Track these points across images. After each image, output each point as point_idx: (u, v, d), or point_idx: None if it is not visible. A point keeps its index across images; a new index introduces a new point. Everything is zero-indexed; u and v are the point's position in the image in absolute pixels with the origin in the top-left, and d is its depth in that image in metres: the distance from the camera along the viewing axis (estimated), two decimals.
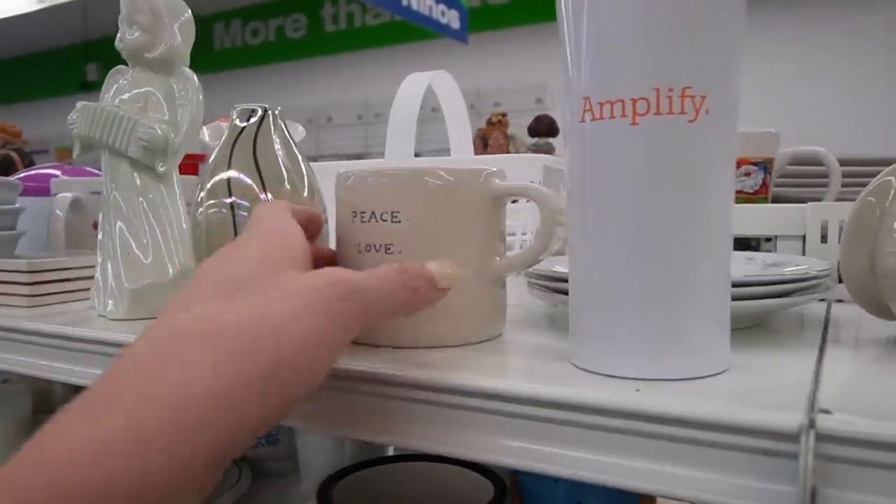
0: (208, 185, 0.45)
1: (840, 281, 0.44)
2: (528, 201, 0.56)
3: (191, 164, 0.82)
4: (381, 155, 0.59)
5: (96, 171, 0.92)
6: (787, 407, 0.26)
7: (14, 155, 1.50)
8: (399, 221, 0.36)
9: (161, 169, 0.53)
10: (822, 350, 0.37)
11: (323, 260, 0.39)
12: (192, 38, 0.57)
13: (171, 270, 0.53)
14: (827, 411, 0.25)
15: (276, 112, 0.47)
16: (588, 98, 0.31)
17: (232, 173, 0.45)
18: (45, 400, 0.84)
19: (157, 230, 0.53)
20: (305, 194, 0.46)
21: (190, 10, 0.56)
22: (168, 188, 0.54)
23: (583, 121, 0.32)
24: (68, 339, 0.49)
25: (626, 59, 0.30)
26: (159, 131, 0.52)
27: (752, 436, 0.26)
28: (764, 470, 0.26)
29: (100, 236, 0.54)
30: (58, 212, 0.80)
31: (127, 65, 0.56)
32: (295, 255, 0.31)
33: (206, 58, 4.77)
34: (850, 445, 0.24)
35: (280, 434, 0.74)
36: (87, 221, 0.80)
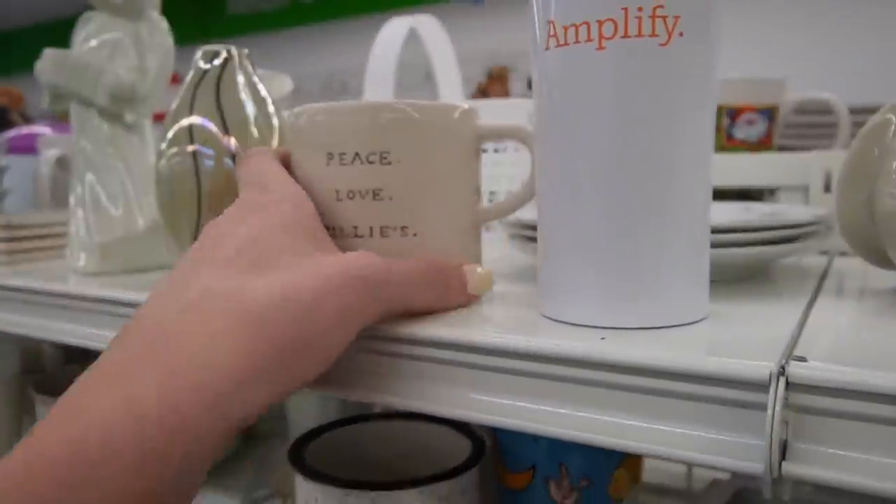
0: (170, 133, 0.43)
1: None
2: (516, 149, 0.53)
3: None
4: None
5: None
6: (761, 356, 0.24)
7: (16, 114, 1.50)
8: (389, 163, 0.32)
9: (130, 118, 0.51)
10: (812, 300, 0.34)
11: None
12: None
13: (141, 224, 0.51)
14: (801, 358, 0.23)
15: (244, 53, 0.45)
16: (552, 22, 0.28)
17: (194, 119, 0.42)
18: (34, 359, 0.83)
19: (128, 182, 0.51)
20: (275, 142, 0.44)
21: None
22: (139, 138, 0.53)
23: (547, 48, 0.29)
24: (41, 293, 0.48)
25: None
26: (126, 78, 0.50)
27: (721, 385, 0.24)
28: (732, 422, 0.24)
29: (72, 189, 0.53)
30: (43, 169, 0.78)
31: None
32: (313, 226, 0.31)
33: (219, 23, 4.73)
34: (824, 395, 0.22)
35: None
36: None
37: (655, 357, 0.24)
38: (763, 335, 0.28)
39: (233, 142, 0.42)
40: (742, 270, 0.40)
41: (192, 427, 0.23)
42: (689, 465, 0.61)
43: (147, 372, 0.24)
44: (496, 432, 0.48)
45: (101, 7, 0.52)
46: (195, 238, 0.42)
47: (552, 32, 0.29)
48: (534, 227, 0.40)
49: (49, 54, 0.52)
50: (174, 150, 0.43)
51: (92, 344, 0.44)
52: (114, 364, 0.25)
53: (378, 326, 0.30)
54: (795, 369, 0.22)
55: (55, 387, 0.71)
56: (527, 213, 0.39)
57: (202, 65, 0.44)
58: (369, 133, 0.32)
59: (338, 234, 0.33)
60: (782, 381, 0.22)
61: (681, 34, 0.27)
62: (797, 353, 0.24)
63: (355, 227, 0.32)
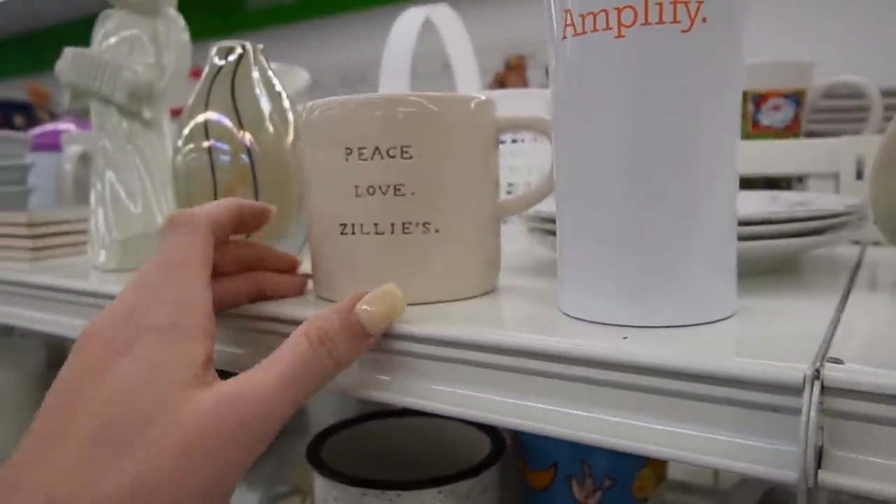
0: (186, 130, 0.43)
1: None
2: (535, 140, 0.52)
3: None
4: None
5: None
6: (794, 357, 0.23)
7: (42, 110, 1.51)
8: (410, 157, 0.31)
9: (148, 115, 0.51)
10: (846, 295, 0.33)
11: (255, 258, 0.35)
12: None
13: (160, 220, 0.51)
14: (837, 360, 0.22)
15: (259, 49, 0.44)
16: (569, 11, 0.27)
17: (210, 115, 0.42)
18: (60, 353, 0.84)
19: (147, 179, 0.51)
20: (290, 137, 0.43)
21: None
22: (157, 134, 0.52)
23: (564, 37, 0.28)
24: (63, 290, 0.48)
25: None
26: (144, 76, 0.50)
27: (752, 388, 0.23)
28: (765, 427, 0.23)
29: (93, 186, 0.53)
30: (67, 166, 0.79)
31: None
32: (190, 360, 0.27)
33: (239, 18, 4.75)
34: (862, 399, 0.21)
35: None
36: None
37: (681, 358, 0.23)
38: (794, 334, 0.27)
39: (248, 137, 0.41)
40: (770, 263, 0.38)
41: None
42: None
43: None
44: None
45: (119, 4, 0.52)
46: None
47: (569, 21, 0.28)
48: (553, 221, 0.39)
49: (69, 53, 0.52)
50: (190, 146, 0.42)
51: None
52: None
53: (392, 325, 0.30)
54: (831, 372, 0.21)
55: None
56: (546, 206, 0.38)
57: (217, 61, 0.43)
58: (390, 127, 0.31)
59: (357, 231, 0.32)
60: (817, 384, 0.21)
61: (704, 20, 0.26)
62: (832, 354, 0.23)
63: (376, 224, 0.32)
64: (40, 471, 0.24)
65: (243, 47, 0.44)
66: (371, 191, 0.31)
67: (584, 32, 0.27)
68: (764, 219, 0.34)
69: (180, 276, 0.29)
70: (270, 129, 0.42)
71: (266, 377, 0.27)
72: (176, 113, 0.56)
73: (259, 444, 0.26)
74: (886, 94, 0.63)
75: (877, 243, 0.47)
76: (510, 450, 0.44)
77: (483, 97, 0.33)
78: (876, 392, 0.21)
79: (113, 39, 0.52)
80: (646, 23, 0.26)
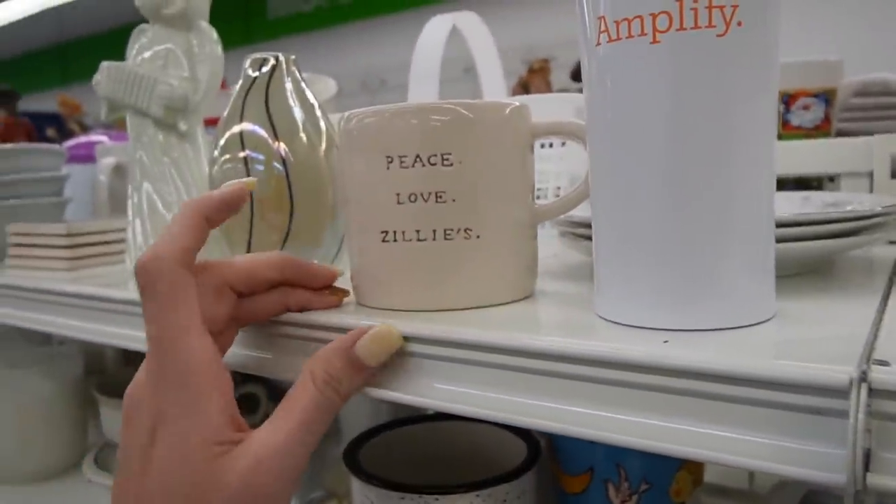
0: (222, 140, 0.43)
1: None
2: (563, 144, 0.52)
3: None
4: None
5: None
6: (837, 359, 0.23)
7: (73, 122, 1.54)
8: (451, 164, 0.32)
9: (183, 127, 0.52)
10: (886, 297, 0.32)
11: (289, 274, 0.35)
12: None
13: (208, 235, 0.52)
14: (884, 362, 0.22)
15: (291, 59, 0.45)
16: (603, 17, 0.28)
17: (245, 126, 0.43)
18: (97, 361, 0.86)
19: (183, 189, 0.52)
20: (323, 146, 0.44)
21: None
22: (192, 145, 0.53)
23: (598, 44, 0.28)
24: (101, 300, 0.49)
25: None
26: (179, 89, 0.51)
27: (796, 391, 0.23)
28: (809, 430, 0.23)
29: (130, 197, 0.54)
30: (101, 177, 0.81)
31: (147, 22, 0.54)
32: (213, 435, 0.30)
33: (261, 27, 4.81)
34: None
35: None
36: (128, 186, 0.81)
37: (725, 362, 0.23)
38: (835, 336, 0.27)
39: (283, 147, 0.42)
40: (806, 265, 0.38)
41: None
42: None
43: None
44: (551, 434, 0.47)
45: (153, 19, 0.53)
46: (248, 243, 0.43)
47: (603, 28, 0.28)
48: (585, 225, 0.40)
49: (105, 67, 0.53)
50: (226, 156, 0.43)
51: None
52: None
53: (424, 329, 0.30)
54: (878, 374, 0.21)
55: (116, 387, 0.73)
56: (577, 210, 0.38)
57: (251, 73, 0.44)
58: (430, 135, 0.32)
59: (399, 238, 0.33)
60: (864, 386, 0.21)
61: (739, 24, 0.26)
62: (877, 356, 0.23)
63: (417, 231, 0.32)
64: None
65: (276, 59, 0.44)
66: (413, 198, 0.32)
67: (618, 39, 0.27)
68: (802, 220, 0.34)
69: (174, 344, 0.30)
70: (304, 138, 0.43)
71: (284, 432, 0.30)
72: (209, 123, 0.57)
73: (289, 492, 0.30)
74: None
75: None
76: (545, 454, 0.44)
77: (518, 103, 0.34)
78: None
79: (148, 53, 0.53)
80: (681, 28, 0.26)
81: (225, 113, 0.45)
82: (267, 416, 0.31)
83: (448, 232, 0.32)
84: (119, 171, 0.81)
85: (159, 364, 0.30)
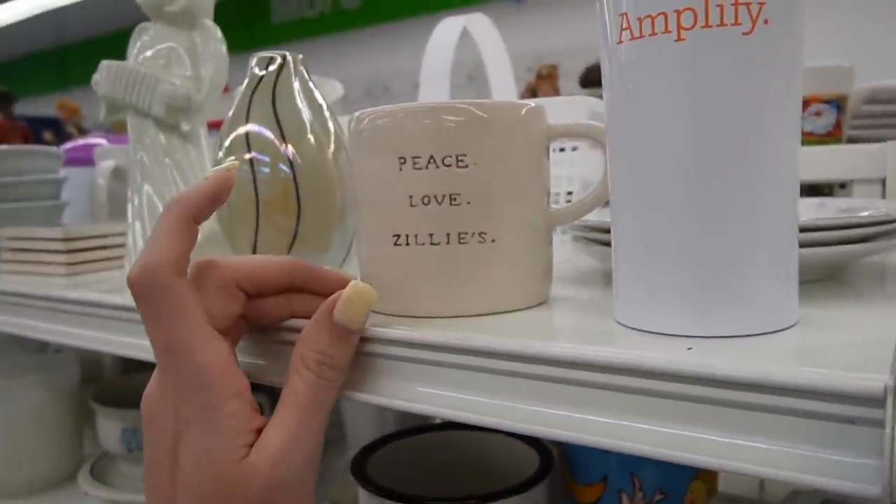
0: (226, 142, 0.43)
1: None
2: (574, 149, 0.52)
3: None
4: None
5: None
6: (866, 366, 0.22)
7: (71, 125, 1.53)
8: (466, 166, 0.31)
9: (186, 128, 0.51)
10: None
11: (298, 279, 0.34)
12: None
13: (199, 234, 0.51)
14: None
15: (298, 59, 0.44)
16: (625, 14, 0.27)
17: (251, 127, 0.42)
18: (94, 369, 0.85)
19: None
20: (331, 148, 0.43)
21: None
22: (195, 147, 0.52)
23: (620, 41, 0.27)
24: (99, 306, 0.48)
25: None
26: (182, 88, 0.50)
27: (826, 400, 0.22)
28: (840, 440, 0.22)
29: (130, 200, 0.53)
30: (100, 180, 0.80)
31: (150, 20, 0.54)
32: (235, 440, 0.30)
33: (264, 32, 4.81)
34: None
35: None
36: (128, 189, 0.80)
37: (758, 370, 0.22)
38: (861, 342, 0.26)
39: (290, 149, 0.41)
40: (824, 270, 0.37)
41: None
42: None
43: None
44: (563, 442, 0.46)
45: (155, 17, 0.52)
46: (253, 247, 0.42)
47: (625, 25, 0.27)
48: (599, 230, 0.39)
49: (105, 66, 0.52)
50: (231, 158, 0.42)
51: (149, 356, 0.44)
52: None
53: (438, 336, 0.29)
54: None
55: (114, 396, 0.72)
56: (590, 215, 0.37)
57: (257, 71, 0.43)
58: (445, 135, 0.31)
59: (412, 241, 0.32)
60: None
61: (766, 22, 0.25)
62: None
63: (431, 235, 0.31)
64: None
65: (283, 57, 0.43)
66: (426, 200, 0.31)
67: (641, 36, 0.27)
68: (825, 224, 0.33)
69: (184, 355, 0.30)
70: (312, 140, 0.42)
71: (292, 420, 0.30)
72: (212, 127, 0.56)
73: (311, 480, 0.31)
74: None
75: None
76: (557, 463, 0.43)
77: (534, 104, 0.33)
78: None
79: (149, 52, 0.53)
80: (706, 25, 0.25)
81: (230, 113, 0.44)
82: None
83: (462, 235, 0.31)
84: (118, 173, 0.80)
85: (174, 372, 0.30)
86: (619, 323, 0.30)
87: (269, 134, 0.42)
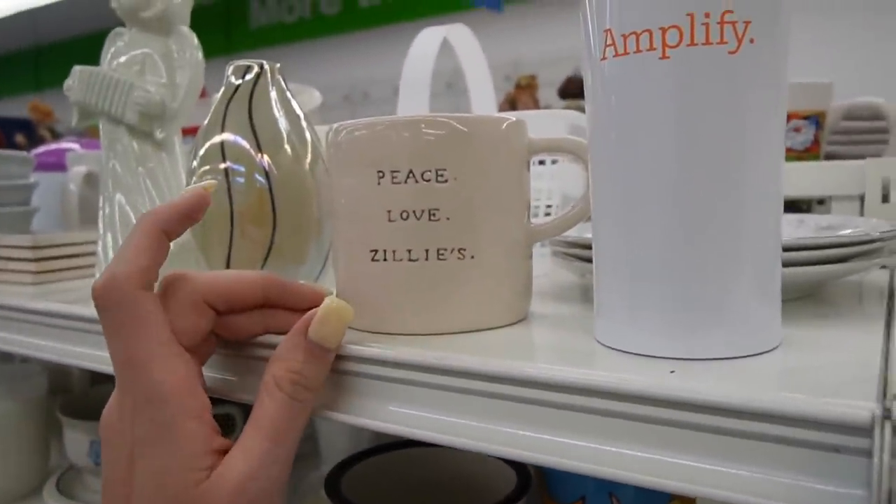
0: (201, 151, 0.42)
1: None
2: (553, 162, 0.51)
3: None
4: None
5: None
6: (852, 391, 0.22)
7: (44, 129, 1.51)
8: (445, 181, 0.30)
9: (160, 135, 0.50)
10: (889, 324, 0.32)
11: (272, 293, 0.33)
12: None
13: (171, 244, 0.49)
14: None
15: (276, 68, 0.43)
16: (609, 31, 0.26)
17: (226, 136, 0.41)
18: (62, 380, 0.83)
19: (158, 201, 0.50)
20: (308, 159, 0.42)
21: None
22: (169, 156, 0.51)
23: (604, 58, 0.27)
24: (69, 317, 0.47)
25: None
26: (156, 95, 0.49)
27: (812, 427, 0.21)
28: (825, 469, 0.21)
29: (101, 209, 0.52)
30: (71, 186, 0.78)
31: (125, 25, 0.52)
32: (191, 462, 0.28)
33: (242, 37, 4.78)
34: None
35: None
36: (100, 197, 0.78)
37: (736, 394, 0.22)
38: (845, 364, 0.26)
39: (266, 159, 0.40)
40: (804, 289, 0.37)
41: None
42: None
43: None
44: None
45: (130, 23, 0.51)
46: (227, 258, 0.41)
47: (609, 41, 0.27)
48: (579, 245, 0.38)
49: (78, 71, 0.51)
50: (206, 167, 0.41)
51: None
52: None
53: (416, 354, 0.29)
54: None
55: (82, 408, 0.70)
56: (570, 231, 0.37)
57: (234, 80, 0.42)
58: (424, 149, 0.30)
59: (389, 257, 0.31)
60: (888, 425, 0.20)
61: (751, 41, 0.25)
62: (893, 389, 0.21)
63: (409, 251, 0.30)
64: None
65: (260, 66, 0.43)
66: (405, 215, 0.30)
67: (625, 53, 0.26)
68: (807, 244, 0.33)
69: (142, 372, 0.29)
70: (289, 150, 0.41)
71: (258, 452, 0.28)
72: (186, 133, 0.55)
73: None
74: None
75: None
76: (535, 482, 0.43)
77: (515, 118, 0.32)
78: None
79: (123, 58, 0.51)
80: (692, 43, 0.25)
81: (205, 122, 0.43)
82: None
83: (441, 252, 0.30)
84: (90, 180, 0.78)
85: (131, 390, 0.29)
86: (599, 343, 0.29)
87: (244, 143, 0.41)
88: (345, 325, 0.30)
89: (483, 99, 0.60)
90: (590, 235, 0.38)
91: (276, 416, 0.29)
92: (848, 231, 0.39)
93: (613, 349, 0.28)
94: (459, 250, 0.30)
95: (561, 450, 0.26)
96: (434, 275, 0.31)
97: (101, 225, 0.51)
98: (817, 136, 0.59)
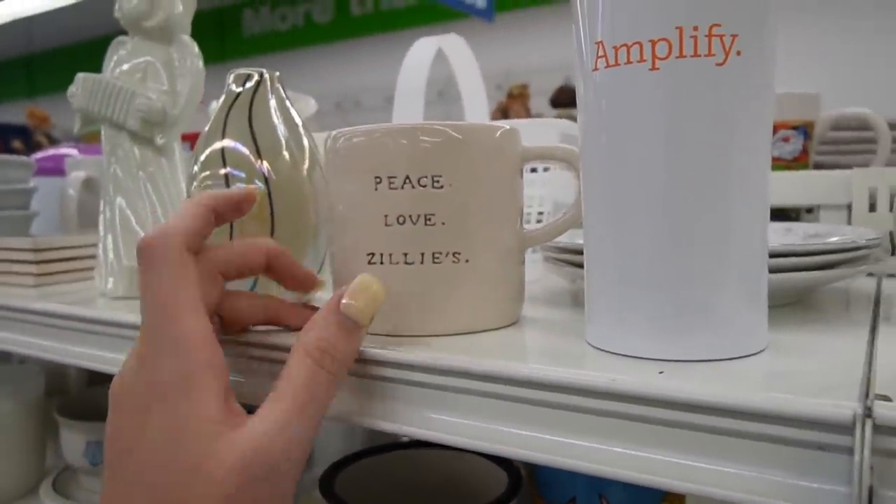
0: (202, 157, 0.42)
1: (893, 252, 0.40)
2: (545, 170, 0.52)
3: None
4: None
5: None
6: (836, 392, 0.22)
7: (40, 134, 1.51)
8: (441, 187, 0.31)
9: (160, 141, 0.51)
10: (874, 329, 0.32)
11: (275, 267, 0.34)
12: (194, 6, 0.54)
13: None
14: (886, 398, 0.21)
15: (275, 76, 0.44)
16: (601, 43, 0.27)
17: (226, 142, 0.42)
18: (59, 381, 0.83)
19: (158, 205, 0.51)
20: (306, 165, 0.43)
21: None
22: (169, 161, 0.52)
23: (595, 69, 0.28)
24: (71, 318, 0.47)
25: None
26: (157, 102, 0.50)
27: (796, 426, 0.22)
28: (810, 466, 0.22)
29: (102, 212, 0.52)
30: (70, 191, 0.78)
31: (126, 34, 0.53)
32: (208, 415, 0.28)
33: (235, 44, 4.79)
34: None
35: None
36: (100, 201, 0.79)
37: (725, 394, 0.23)
38: (830, 367, 0.27)
39: (265, 165, 0.41)
40: (791, 296, 0.38)
41: None
42: None
43: None
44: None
45: (133, 31, 0.52)
46: None
47: (601, 53, 0.28)
48: (570, 251, 0.39)
49: (82, 79, 0.51)
50: (206, 173, 0.42)
51: (114, 370, 0.44)
52: None
53: (410, 355, 0.29)
54: (881, 410, 0.21)
55: (78, 409, 0.71)
56: (561, 236, 0.38)
57: (234, 88, 0.43)
58: (421, 156, 0.31)
59: (386, 260, 0.32)
60: (869, 423, 0.20)
61: (738, 53, 0.26)
62: (875, 389, 0.22)
63: (405, 254, 0.31)
64: None
65: (260, 75, 0.43)
66: (401, 220, 0.31)
67: (616, 64, 0.27)
68: (795, 251, 0.34)
69: (173, 319, 0.29)
70: (287, 157, 0.42)
71: (284, 413, 0.28)
72: (186, 138, 0.56)
73: (293, 477, 0.28)
74: (894, 126, 0.63)
75: (892, 275, 0.47)
76: (526, 483, 0.44)
77: (508, 126, 0.33)
78: None
79: (126, 66, 0.52)
80: (680, 55, 0.26)
81: (206, 128, 0.43)
82: None
83: (436, 255, 0.31)
84: (89, 185, 0.79)
85: (155, 340, 0.29)
86: (590, 345, 0.30)
87: (244, 150, 0.41)
88: (376, 304, 0.30)
89: (476, 107, 0.61)
90: (581, 241, 0.39)
91: (301, 381, 0.28)
92: (835, 238, 0.40)
93: (603, 351, 0.29)
94: (454, 254, 0.31)
95: (553, 448, 0.26)
96: (429, 278, 0.31)
97: (101, 228, 0.52)
98: (806, 146, 0.60)
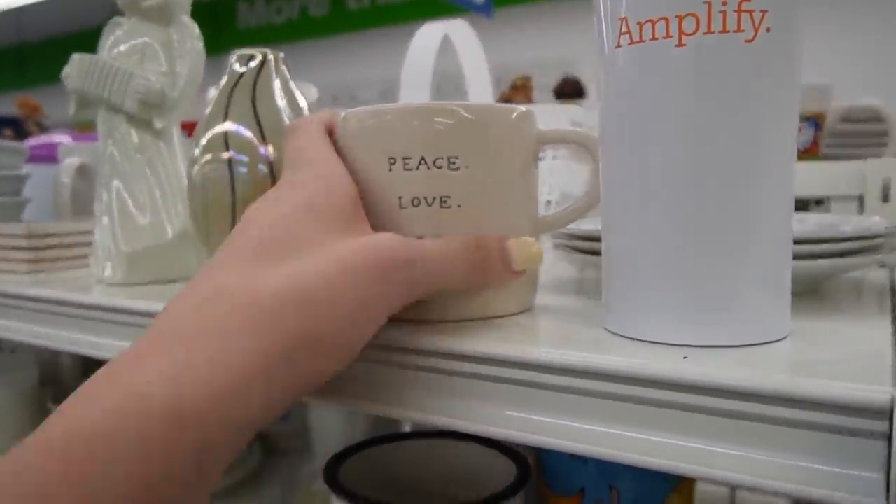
0: (204, 140, 0.41)
1: None
2: (554, 158, 0.51)
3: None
4: None
5: None
6: (868, 378, 0.22)
7: (32, 123, 1.49)
8: (457, 168, 0.30)
9: (159, 125, 0.50)
10: (895, 317, 0.32)
11: None
12: None
13: (170, 232, 0.49)
14: None
15: (280, 57, 0.43)
16: (625, 18, 0.26)
17: (229, 125, 0.41)
18: (52, 370, 0.82)
19: (156, 189, 0.50)
20: None
21: None
22: (167, 145, 0.51)
23: (619, 45, 0.27)
24: (67, 304, 0.46)
25: None
26: (156, 84, 0.49)
27: (828, 411, 0.21)
28: (842, 452, 0.21)
29: (98, 196, 0.51)
30: (64, 178, 0.77)
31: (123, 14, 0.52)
32: (345, 206, 0.29)
33: (230, 37, 4.76)
34: None
35: (291, 410, 0.70)
36: (94, 188, 0.78)
37: (760, 379, 0.22)
38: (857, 355, 0.26)
39: (270, 149, 0.40)
40: (809, 283, 0.37)
41: (199, 423, 0.22)
42: (732, 488, 0.58)
43: (156, 365, 0.23)
44: (538, 452, 0.46)
45: (131, 12, 0.51)
46: None
47: (624, 29, 0.27)
48: (581, 238, 0.38)
49: (77, 59, 0.50)
50: (208, 156, 0.41)
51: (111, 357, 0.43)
52: (128, 357, 0.24)
53: (426, 341, 0.29)
54: None
55: None
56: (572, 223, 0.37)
57: (237, 68, 0.42)
58: (437, 137, 0.30)
59: None
60: None
61: (768, 30, 0.25)
62: None
63: (420, 237, 0.30)
64: (212, 269, 0.27)
65: (264, 55, 0.42)
66: (416, 202, 0.30)
67: (640, 41, 0.26)
68: (805, 238, 0.33)
69: (317, 156, 0.31)
70: None
71: (423, 241, 0.29)
72: (184, 127, 0.54)
73: (406, 290, 0.28)
74: None
75: None
76: (534, 474, 0.43)
77: (524, 108, 0.32)
78: None
79: (123, 47, 0.51)
80: (708, 31, 0.25)
81: (207, 111, 0.42)
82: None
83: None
84: (83, 172, 0.77)
85: (298, 158, 0.32)
86: (608, 331, 0.29)
87: (248, 133, 0.41)
88: (532, 260, 0.31)
89: (482, 95, 0.60)
90: (590, 227, 0.38)
91: (448, 246, 0.29)
92: (850, 227, 0.40)
93: (622, 336, 0.28)
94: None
95: (574, 434, 0.26)
96: None
97: (97, 210, 0.51)
98: (816, 138, 0.59)
